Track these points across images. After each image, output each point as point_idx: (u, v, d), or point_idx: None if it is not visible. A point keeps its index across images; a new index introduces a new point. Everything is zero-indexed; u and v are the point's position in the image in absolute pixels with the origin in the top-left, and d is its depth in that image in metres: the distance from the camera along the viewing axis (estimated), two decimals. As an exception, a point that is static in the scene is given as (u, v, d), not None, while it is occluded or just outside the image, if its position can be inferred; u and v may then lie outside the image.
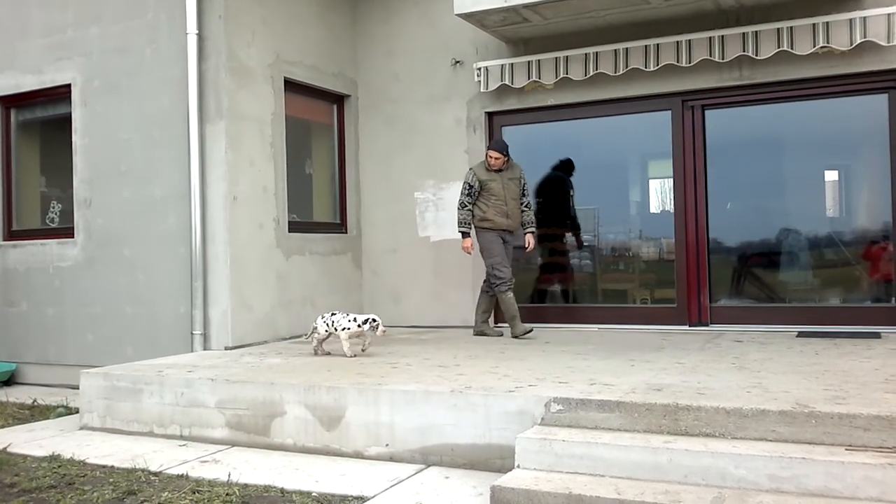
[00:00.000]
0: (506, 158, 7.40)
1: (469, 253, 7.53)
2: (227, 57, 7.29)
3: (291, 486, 4.41)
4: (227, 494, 4.27)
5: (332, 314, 6.50)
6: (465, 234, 7.46)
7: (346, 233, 8.91)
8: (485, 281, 7.61)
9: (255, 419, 5.32)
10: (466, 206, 7.42)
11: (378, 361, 6.13)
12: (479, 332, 7.66)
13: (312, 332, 6.61)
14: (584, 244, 8.46)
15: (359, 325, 6.35)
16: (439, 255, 8.62)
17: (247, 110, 7.48)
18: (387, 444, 4.89)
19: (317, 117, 8.83)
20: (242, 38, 7.47)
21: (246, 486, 4.44)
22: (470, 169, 7.53)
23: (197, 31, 7.26)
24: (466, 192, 7.42)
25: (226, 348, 7.16)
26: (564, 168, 8.47)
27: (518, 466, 4.17)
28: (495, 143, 7.53)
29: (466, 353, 6.40)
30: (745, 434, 3.97)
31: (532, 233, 7.57)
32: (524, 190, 7.57)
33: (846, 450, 3.73)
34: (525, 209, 7.56)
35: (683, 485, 3.78)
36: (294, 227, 8.08)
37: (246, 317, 7.37)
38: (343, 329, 6.36)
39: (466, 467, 4.62)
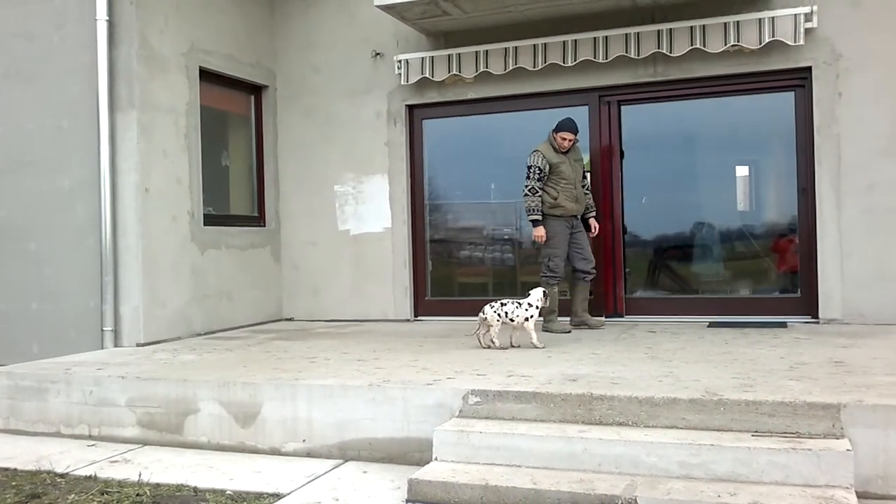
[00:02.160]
0: (576, 138, 7.04)
1: (543, 242, 7.03)
2: (140, 44, 7.06)
3: (205, 484, 4.31)
4: (137, 495, 4.15)
5: (502, 304, 6.00)
6: (537, 223, 6.98)
7: (264, 226, 8.75)
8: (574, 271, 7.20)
9: (168, 417, 5.18)
10: (538, 191, 6.95)
11: (295, 356, 6.05)
12: (580, 323, 7.19)
13: (481, 326, 6.04)
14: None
15: (538, 307, 6.02)
16: (359, 249, 8.55)
17: (160, 100, 7.26)
18: (304, 440, 4.82)
19: (234, 108, 8.65)
20: (155, 25, 7.24)
21: (158, 485, 4.32)
22: (535, 151, 7.02)
23: (107, 18, 7.02)
24: (537, 176, 6.94)
25: (138, 345, 6.95)
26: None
27: (436, 459, 4.17)
28: (568, 121, 6.99)
29: (386, 347, 6.37)
30: (657, 422, 4.06)
31: (595, 217, 7.32)
32: (586, 172, 7.30)
33: (752, 436, 3.85)
34: (587, 192, 7.27)
35: (597, 473, 3.84)
36: (210, 220, 7.90)
37: (159, 312, 7.17)
38: (528, 318, 5.98)
39: (385, 461, 4.59)
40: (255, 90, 8.75)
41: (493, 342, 6.05)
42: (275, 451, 4.87)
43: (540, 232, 7.00)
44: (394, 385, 4.71)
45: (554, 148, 7.02)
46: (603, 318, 7.36)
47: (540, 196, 6.98)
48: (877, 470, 3.74)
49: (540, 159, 6.97)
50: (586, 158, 7.93)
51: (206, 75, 7.90)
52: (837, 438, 3.75)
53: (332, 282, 8.66)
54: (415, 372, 5.13)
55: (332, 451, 4.75)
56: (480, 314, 6.06)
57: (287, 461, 4.72)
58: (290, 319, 8.82)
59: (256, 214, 8.76)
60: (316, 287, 8.74)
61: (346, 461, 4.66)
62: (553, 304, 6.90)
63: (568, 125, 6.97)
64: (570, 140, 6.97)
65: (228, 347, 6.70)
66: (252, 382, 5.02)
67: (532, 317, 6.02)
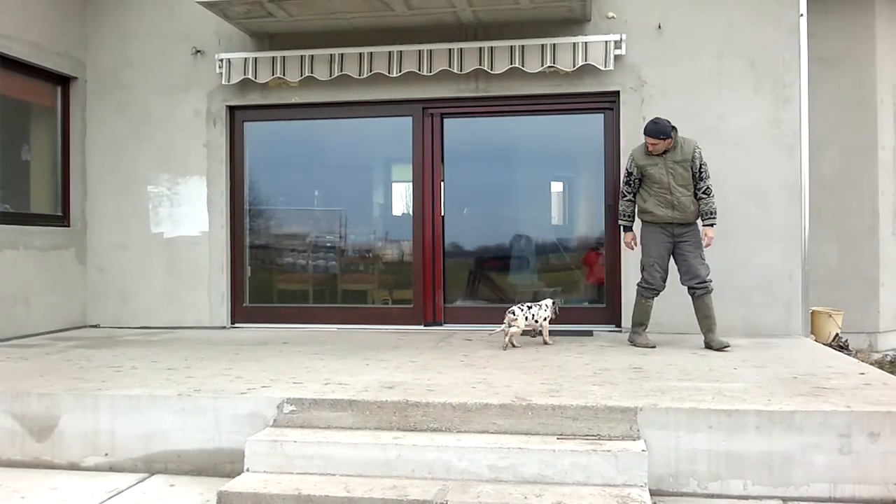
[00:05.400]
0: (668, 141, 6.28)
1: (632, 248, 6.66)
2: (-73, 24, 6.46)
3: (-9, 504, 3.98)
4: None
5: (528, 306, 6.52)
6: (625, 228, 6.62)
7: (69, 226, 8.20)
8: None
9: (-50, 432, 4.73)
10: (626, 195, 6.52)
11: (100, 365, 5.71)
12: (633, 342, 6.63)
13: (510, 327, 6.39)
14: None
15: (555, 313, 6.62)
16: (173, 253, 8.20)
17: (-49, 85, 6.67)
18: (106, 454, 4.56)
19: (38, 99, 8.06)
20: (-53, 5, 6.65)
21: (-66, 507, 3.94)
22: (630, 154, 6.59)
23: None
24: (625, 179, 6.54)
25: (-83, 353, 6.32)
26: None
27: (248, 470, 4.08)
28: (651, 125, 6.32)
29: (199, 355, 6.14)
30: (470, 427, 4.17)
31: (711, 225, 6.37)
32: (701, 173, 6.35)
33: (558, 439, 4.03)
34: (703, 196, 6.36)
35: (411, 479, 3.88)
36: (7, 218, 7.32)
37: (-56, 317, 6.56)
38: (546, 318, 6.57)
39: (194, 474, 4.42)
40: (63, 81, 8.20)
41: (513, 343, 6.40)
42: (74, 466, 4.57)
43: (627, 238, 6.67)
44: (205, 394, 4.55)
45: (645, 151, 6.47)
46: (727, 341, 6.37)
47: (630, 200, 6.56)
48: (669, 469, 4.02)
49: (629, 163, 6.54)
50: (407, 168, 8.05)
51: (7, 62, 7.34)
52: (634, 440, 4.01)
53: (144, 287, 8.25)
54: (228, 381, 4.98)
55: (137, 464, 4.51)
56: (510, 315, 6.43)
57: (87, 476, 4.44)
58: (95, 326, 8.31)
59: (60, 214, 8.20)
60: (125, 292, 8.29)
61: (153, 474, 4.45)
62: (642, 316, 6.56)
63: (650, 129, 6.34)
64: (653, 144, 6.33)
65: (24, 356, 6.22)
66: (49, 393, 4.68)
67: (549, 318, 6.60)
